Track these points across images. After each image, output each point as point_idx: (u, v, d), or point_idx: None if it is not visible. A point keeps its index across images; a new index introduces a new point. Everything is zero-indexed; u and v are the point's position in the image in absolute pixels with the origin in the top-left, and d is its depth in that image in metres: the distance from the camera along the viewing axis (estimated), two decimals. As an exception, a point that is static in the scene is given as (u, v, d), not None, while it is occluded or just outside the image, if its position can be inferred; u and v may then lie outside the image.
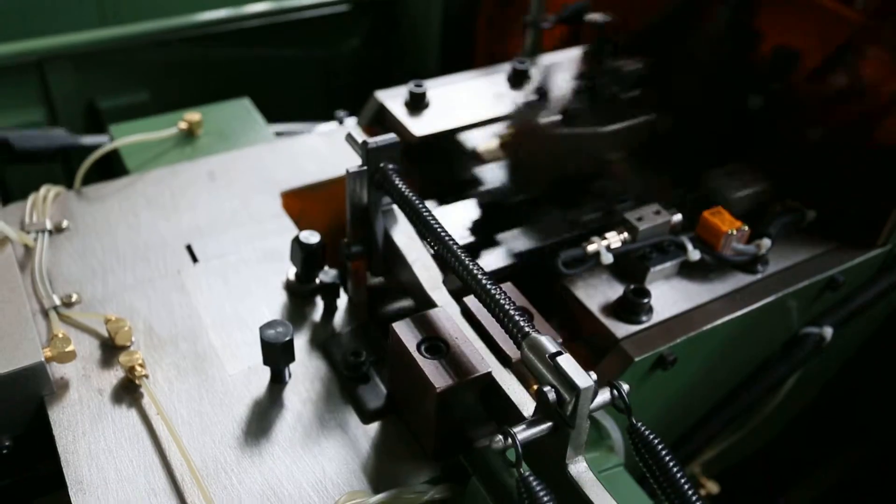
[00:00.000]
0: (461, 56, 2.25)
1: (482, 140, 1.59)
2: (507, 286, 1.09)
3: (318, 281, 1.23)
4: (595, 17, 1.72)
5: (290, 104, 2.10)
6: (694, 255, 1.23)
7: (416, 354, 0.99)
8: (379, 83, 1.68)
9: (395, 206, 1.18)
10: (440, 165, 1.60)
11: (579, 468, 0.85)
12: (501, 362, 1.00)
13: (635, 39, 1.74)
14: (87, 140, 1.50)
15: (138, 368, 1.08)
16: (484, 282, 0.96)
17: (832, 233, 1.38)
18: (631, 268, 1.24)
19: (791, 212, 1.36)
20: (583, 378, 0.82)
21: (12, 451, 1.08)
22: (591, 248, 1.20)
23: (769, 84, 1.49)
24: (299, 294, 1.25)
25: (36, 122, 1.90)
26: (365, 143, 1.10)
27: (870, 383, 1.84)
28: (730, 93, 1.57)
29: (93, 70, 1.93)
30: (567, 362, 0.83)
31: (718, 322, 1.19)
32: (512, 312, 0.91)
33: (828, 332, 1.34)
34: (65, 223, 1.34)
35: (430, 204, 1.41)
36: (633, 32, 1.75)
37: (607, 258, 1.20)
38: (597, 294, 1.21)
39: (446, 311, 1.05)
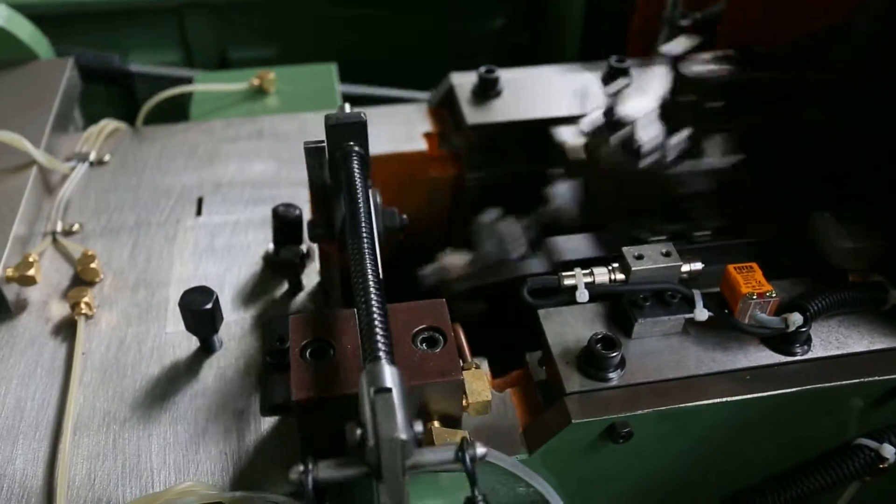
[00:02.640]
0: (608, 48, 2.05)
1: (543, 140, 1.42)
2: (436, 302, 0.95)
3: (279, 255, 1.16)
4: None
5: (414, 78, 2.04)
6: (701, 314, 0.99)
7: (295, 354, 0.89)
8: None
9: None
10: (494, 157, 1.46)
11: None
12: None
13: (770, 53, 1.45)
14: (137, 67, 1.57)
15: (82, 306, 1.10)
16: (371, 287, 0.83)
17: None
18: (620, 314, 1.03)
19: (870, 287, 1.05)
20: (392, 426, 0.68)
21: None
22: (567, 280, 1.01)
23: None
24: (273, 267, 1.20)
25: (172, 64, 2.02)
26: (327, 116, 1.01)
27: None
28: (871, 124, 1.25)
29: (227, 21, 2.01)
30: (385, 404, 0.70)
31: (705, 402, 0.95)
32: (377, 328, 0.78)
33: (889, 451, 1.02)
34: (107, 157, 1.40)
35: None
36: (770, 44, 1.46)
37: (583, 295, 1.00)
38: (569, 334, 1.02)
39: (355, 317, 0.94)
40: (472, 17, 2.16)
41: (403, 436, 0.69)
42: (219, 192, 1.34)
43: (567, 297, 1.02)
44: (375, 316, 0.80)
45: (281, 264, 1.15)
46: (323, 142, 1.03)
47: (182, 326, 1.10)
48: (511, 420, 1.01)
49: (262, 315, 1.13)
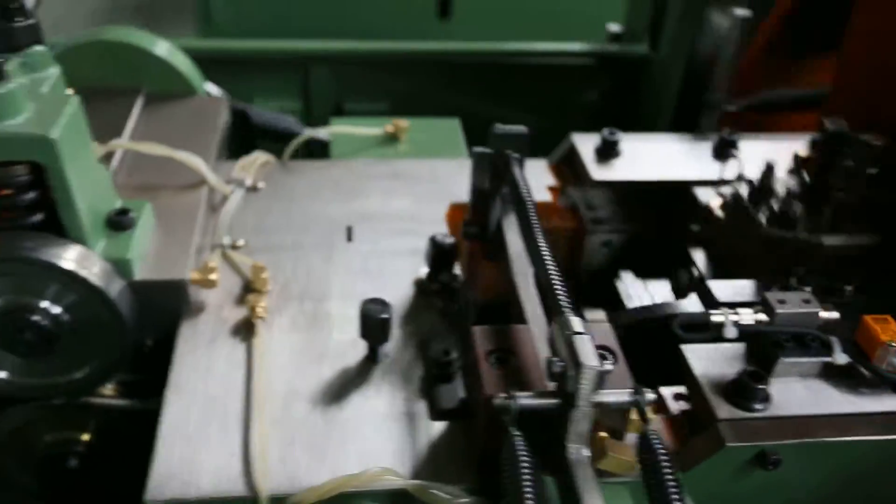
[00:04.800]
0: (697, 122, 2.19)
1: (663, 200, 1.54)
2: (604, 326, 1.05)
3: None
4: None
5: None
6: (840, 357, 1.08)
7: (482, 360, 0.99)
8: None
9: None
10: (614, 214, 1.57)
11: (579, 455, 0.85)
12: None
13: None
14: (309, 130, 1.70)
15: (259, 310, 1.21)
16: (545, 254, 0.97)
17: None
18: (762, 353, 1.12)
19: None
20: (591, 359, 0.82)
21: (151, 351, 1.25)
22: (715, 317, 1.11)
23: None
24: (425, 292, 1.30)
25: (291, 111, 2.18)
26: (495, 126, 1.15)
27: None
28: None
29: (346, 75, 2.17)
30: (583, 342, 0.84)
31: (845, 439, 1.03)
32: (557, 288, 0.91)
33: None
34: (261, 184, 1.53)
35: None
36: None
37: (731, 332, 1.10)
38: (712, 368, 1.11)
39: (532, 332, 1.04)
40: (572, 90, 2.33)
41: (598, 366, 0.82)
42: (365, 222, 1.45)
43: (714, 333, 1.11)
44: (554, 278, 0.92)
45: (443, 289, 1.26)
46: (488, 149, 1.16)
47: (347, 335, 1.20)
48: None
49: (416, 333, 1.23)
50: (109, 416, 1.29)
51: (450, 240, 1.27)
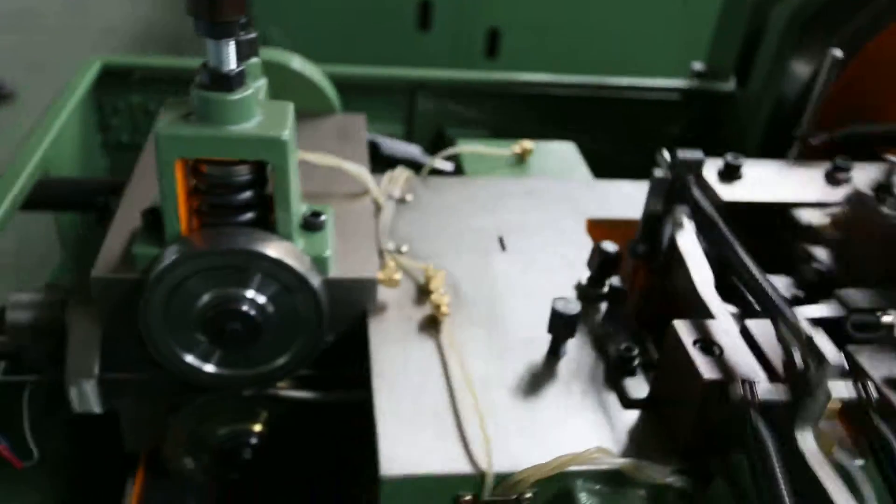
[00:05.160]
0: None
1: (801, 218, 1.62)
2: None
3: (606, 287, 1.35)
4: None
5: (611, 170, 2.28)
6: None
7: (690, 348, 1.06)
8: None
9: (683, 216, 1.29)
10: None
11: (808, 441, 0.91)
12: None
13: None
14: (436, 162, 1.78)
15: (444, 308, 1.28)
16: (754, 268, 1.04)
17: None
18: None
19: None
20: (833, 354, 0.91)
21: (330, 347, 1.32)
22: (886, 318, 1.19)
23: None
24: (587, 297, 1.38)
25: (395, 135, 2.27)
26: (674, 154, 1.24)
27: None
28: None
29: (450, 103, 2.28)
30: (821, 339, 0.94)
31: None
32: (772, 292, 0.99)
33: None
34: (409, 197, 1.62)
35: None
36: None
37: (903, 333, 1.18)
38: (881, 367, 1.19)
39: (724, 324, 1.11)
40: (657, 123, 2.44)
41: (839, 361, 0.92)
42: (512, 234, 1.54)
43: (884, 334, 1.19)
44: (764, 282, 1.01)
45: (610, 293, 1.34)
46: (668, 175, 1.25)
47: (524, 334, 1.27)
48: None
49: (590, 333, 1.30)
50: (281, 408, 1.35)
51: (614, 248, 1.35)
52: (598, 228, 1.61)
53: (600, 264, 1.36)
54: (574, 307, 1.19)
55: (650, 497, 1.06)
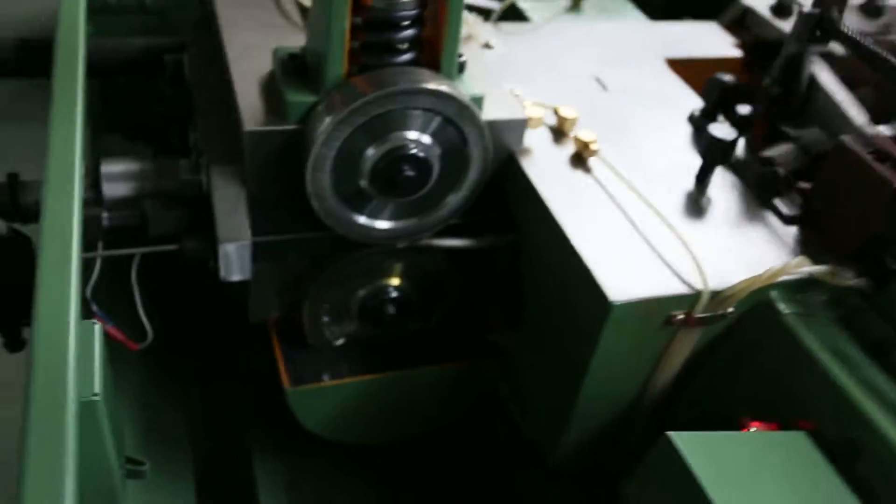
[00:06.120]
0: None
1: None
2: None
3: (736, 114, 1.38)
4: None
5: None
6: None
7: (870, 160, 1.13)
8: None
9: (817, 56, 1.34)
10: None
11: None
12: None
13: None
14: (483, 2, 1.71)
15: (593, 145, 1.28)
16: None
17: None
18: None
19: None
20: None
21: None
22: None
23: None
24: (701, 127, 1.41)
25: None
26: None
27: None
28: None
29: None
30: None
31: None
32: None
33: None
34: (493, 42, 1.56)
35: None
36: None
37: None
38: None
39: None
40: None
41: None
42: (605, 74, 1.53)
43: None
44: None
45: (740, 121, 1.37)
46: (816, 9, 1.28)
47: (661, 165, 1.31)
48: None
49: (720, 162, 1.35)
50: (423, 259, 1.32)
51: (730, 78, 1.39)
52: (677, 67, 1.63)
53: (718, 96, 1.39)
54: (731, 133, 1.23)
55: (832, 300, 1.15)
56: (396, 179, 1.13)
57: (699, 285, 1.08)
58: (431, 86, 1.09)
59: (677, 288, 1.08)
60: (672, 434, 0.92)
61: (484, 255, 1.33)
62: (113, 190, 1.24)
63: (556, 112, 1.34)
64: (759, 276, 1.08)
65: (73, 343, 0.74)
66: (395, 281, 1.34)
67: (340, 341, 1.37)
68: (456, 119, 1.14)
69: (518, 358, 1.36)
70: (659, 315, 1.09)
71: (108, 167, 1.24)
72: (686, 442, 0.91)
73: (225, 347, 1.66)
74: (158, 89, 1.53)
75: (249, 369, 1.58)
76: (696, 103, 1.49)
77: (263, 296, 1.32)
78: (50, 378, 0.71)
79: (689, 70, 1.65)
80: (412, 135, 1.13)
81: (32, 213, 1.23)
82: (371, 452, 1.52)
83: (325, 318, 1.33)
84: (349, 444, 1.42)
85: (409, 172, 1.13)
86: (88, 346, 0.82)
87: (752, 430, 1.05)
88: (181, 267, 1.28)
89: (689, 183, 1.28)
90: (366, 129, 1.10)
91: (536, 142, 1.31)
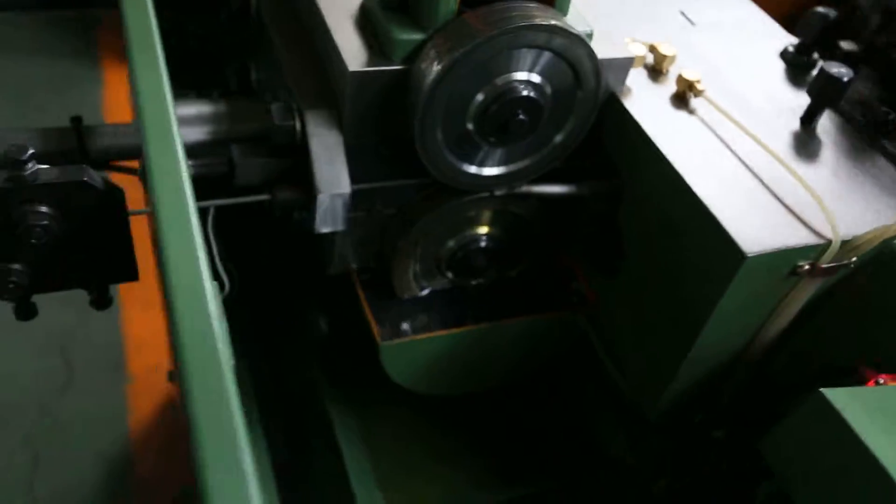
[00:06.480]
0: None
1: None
2: None
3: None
4: None
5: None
6: None
7: None
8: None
9: None
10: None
11: None
12: None
13: None
14: None
15: (698, 85, 1.21)
16: None
17: None
18: None
19: None
20: None
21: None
22: None
23: None
24: (796, 64, 1.35)
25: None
26: None
27: None
28: None
29: None
30: None
31: None
32: None
33: None
34: None
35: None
36: None
37: None
38: None
39: None
40: None
41: None
42: (690, 8, 1.45)
43: None
44: None
45: (845, 55, 1.31)
46: None
47: (765, 105, 1.25)
48: None
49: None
50: (511, 207, 1.26)
51: (833, 13, 1.32)
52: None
53: (821, 30, 1.32)
54: (848, 72, 1.17)
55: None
56: (510, 124, 1.07)
57: (829, 234, 1.04)
58: (555, 22, 1.01)
59: (807, 238, 1.04)
60: (826, 391, 0.89)
61: (576, 202, 1.27)
62: (189, 135, 1.15)
63: (653, 49, 1.27)
64: (890, 225, 1.04)
65: (212, 306, 0.68)
66: (485, 229, 1.28)
67: (425, 292, 1.32)
68: (569, 55, 1.06)
69: (610, 308, 1.32)
70: (786, 265, 1.05)
71: (183, 109, 1.14)
72: (841, 398, 0.88)
73: (293, 300, 1.60)
74: (220, 23, 1.41)
75: (320, 323, 1.53)
76: (783, 37, 1.42)
77: (347, 247, 1.25)
78: (197, 341, 0.65)
79: (769, 2, 1.57)
80: (521, 75, 1.06)
81: (101, 160, 1.14)
82: (446, 402, 1.49)
83: (416, 269, 1.28)
84: (434, 396, 1.39)
85: (522, 116, 1.07)
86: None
87: (881, 381, 1.03)
88: (251, 218, 1.21)
89: (793, 124, 1.23)
90: (477, 69, 1.02)
91: (634, 81, 1.24)
